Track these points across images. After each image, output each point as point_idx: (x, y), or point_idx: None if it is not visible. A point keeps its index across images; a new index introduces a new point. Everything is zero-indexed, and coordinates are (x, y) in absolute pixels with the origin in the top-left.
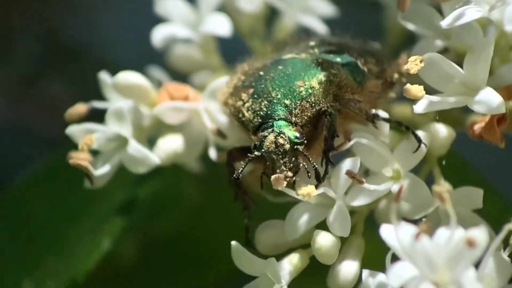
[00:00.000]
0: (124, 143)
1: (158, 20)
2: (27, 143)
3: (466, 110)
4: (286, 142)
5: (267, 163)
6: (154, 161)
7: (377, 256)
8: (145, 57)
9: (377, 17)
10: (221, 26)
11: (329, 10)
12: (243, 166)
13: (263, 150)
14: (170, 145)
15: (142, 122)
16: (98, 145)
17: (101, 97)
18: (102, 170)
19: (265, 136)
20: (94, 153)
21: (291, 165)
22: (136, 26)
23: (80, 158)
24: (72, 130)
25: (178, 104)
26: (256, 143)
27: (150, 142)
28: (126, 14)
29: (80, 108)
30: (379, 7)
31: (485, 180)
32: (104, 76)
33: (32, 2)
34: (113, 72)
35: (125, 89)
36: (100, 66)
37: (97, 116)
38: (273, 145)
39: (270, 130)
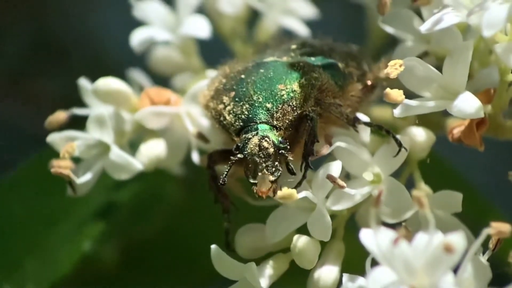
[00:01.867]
0: (106, 149)
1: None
2: (12, 139)
3: (447, 114)
4: (270, 146)
5: (249, 166)
6: (137, 167)
7: (357, 259)
8: (133, 55)
9: (360, 19)
10: (200, 28)
11: (310, 11)
12: (226, 170)
13: (246, 152)
14: (153, 150)
15: (124, 127)
16: (80, 153)
17: None
18: (84, 178)
19: (249, 139)
20: (76, 159)
21: (274, 169)
22: (125, 24)
23: (61, 166)
24: (53, 138)
25: (160, 109)
26: (239, 144)
27: (131, 145)
28: (115, 12)
29: (60, 115)
30: (362, 8)
31: (466, 182)
32: (83, 82)
33: None
34: (101, 70)
35: (105, 95)
36: (87, 64)
37: (77, 120)
38: (257, 148)
39: (254, 132)
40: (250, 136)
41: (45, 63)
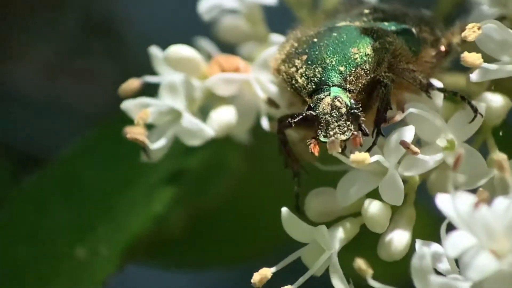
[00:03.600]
0: (178, 116)
1: None
2: (66, 117)
3: None
4: (343, 105)
5: (320, 125)
6: (209, 134)
7: (419, 228)
8: (181, 31)
9: None
10: None
11: None
12: (296, 118)
13: (318, 111)
14: (224, 117)
15: (194, 94)
16: (153, 119)
17: (138, 70)
18: (158, 144)
19: (321, 99)
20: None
21: (345, 128)
22: (177, 3)
23: (136, 132)
24: (127, 105)
25: (230, 75)
26: (311, 104)
27: (201, 112)
28: None
29: (133, 83)
30: None
31: None
32: (154, 50)
33: None
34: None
35: (176, 63)
36: (136, 41)
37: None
38: (329, 107)
39: (326, 93)
40: (322, 97)
41: (98, 42)
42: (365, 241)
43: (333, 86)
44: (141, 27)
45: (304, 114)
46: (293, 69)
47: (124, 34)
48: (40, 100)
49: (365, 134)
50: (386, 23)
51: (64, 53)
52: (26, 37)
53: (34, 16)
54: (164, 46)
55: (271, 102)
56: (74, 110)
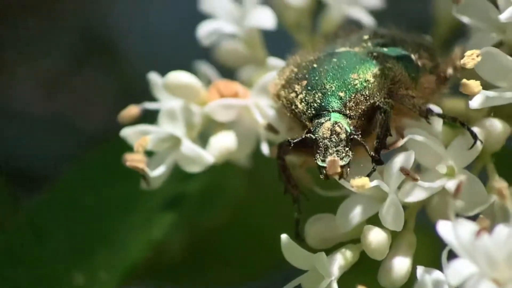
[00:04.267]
0: (177, 143)
1: (192, 15)
2: (65, 134)
3: None
4: (342, 131)
5: (319, 149)
6: (208, 160)
7: (418, 252)
8: (180, 50)
9: (422, 9)
10: (265, 19)
11: (376, 1)
12: (297, 139)
13: (317, 135)
14: (223, 143)
15: (193, 121)
16: (152, 146)
17: (138, 88)
18: (158, 171)
19: (321, 123)
20: (147, 153)
21: (344, 154)
22: (172, 20)
23: (136, 160)
24: (127, 132)
25: (229, 101)
26: (311, 128)
27: (201, 139)
28: (161, 7)
29: (132, 110)
30: None
31: None
32: (153, 76)
33: None
34: (149, 65)
35: (175, 89)
36: (136, 58)
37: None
38: (329, 132)
39: (327, 118)
40: (323, 121)
41: (97, 58)
42: (364, 264)
43: (333, 111)
44: (140, 43)
45: (303, 137)
46: (293, 94)
47: (123, 51)
48: (38, 116)
49: (374, 158)
50: (385, 49)
51: (63, 70)
52: (24, 53)
53: (33, 32)
54: (163, 62)
55: (270, 127)
56: (73, 126)
